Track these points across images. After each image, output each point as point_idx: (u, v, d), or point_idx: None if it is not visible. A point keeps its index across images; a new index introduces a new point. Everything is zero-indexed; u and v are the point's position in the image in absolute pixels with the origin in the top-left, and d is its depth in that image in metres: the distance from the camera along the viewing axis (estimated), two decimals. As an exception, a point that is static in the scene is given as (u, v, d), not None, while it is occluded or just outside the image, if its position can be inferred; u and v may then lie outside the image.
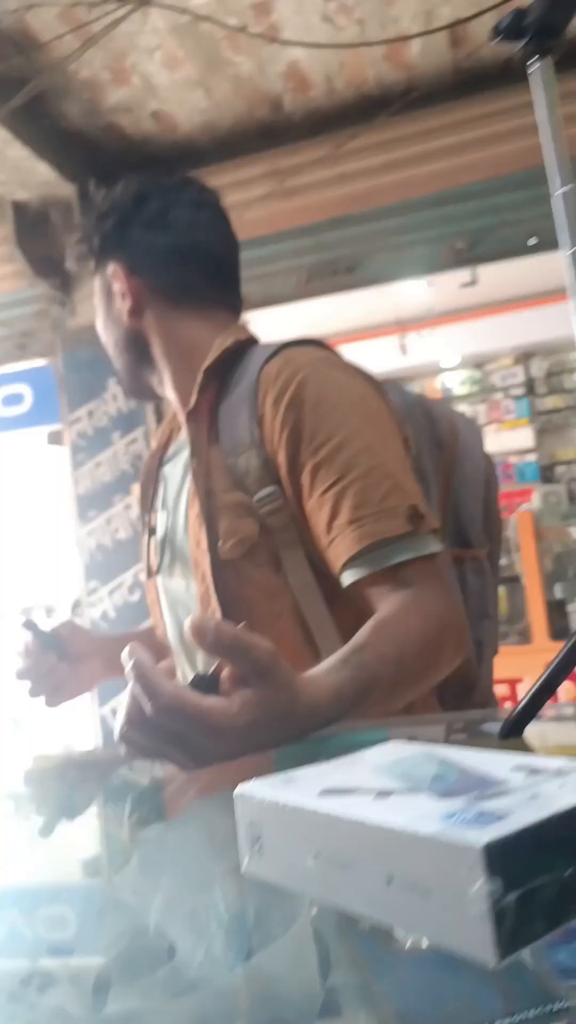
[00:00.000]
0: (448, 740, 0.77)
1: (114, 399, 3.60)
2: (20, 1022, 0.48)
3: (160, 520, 1.05)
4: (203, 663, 0.96)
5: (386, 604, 0.81)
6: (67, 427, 3.62)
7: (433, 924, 0.34)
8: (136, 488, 3.97)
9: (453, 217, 3.00)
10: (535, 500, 3.47)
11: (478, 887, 0.31)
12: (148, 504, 1.07)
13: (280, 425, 0.88)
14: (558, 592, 3.22)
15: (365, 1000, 0.44)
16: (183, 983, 0.51)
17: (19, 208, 3.29)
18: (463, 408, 6.36)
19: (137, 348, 1.03)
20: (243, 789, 0.48)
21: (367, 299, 4.17)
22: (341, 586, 0.85)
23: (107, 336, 1.06)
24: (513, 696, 3.13)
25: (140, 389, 1.09)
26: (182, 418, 1.00)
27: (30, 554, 6.34)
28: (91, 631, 1.28)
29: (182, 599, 1.02)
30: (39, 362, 3.82)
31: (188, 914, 0.58)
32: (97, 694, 3.46)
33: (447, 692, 0.98)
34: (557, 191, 0.66)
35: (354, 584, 0.84)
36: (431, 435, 1.01)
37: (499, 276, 3.64)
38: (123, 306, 1.01)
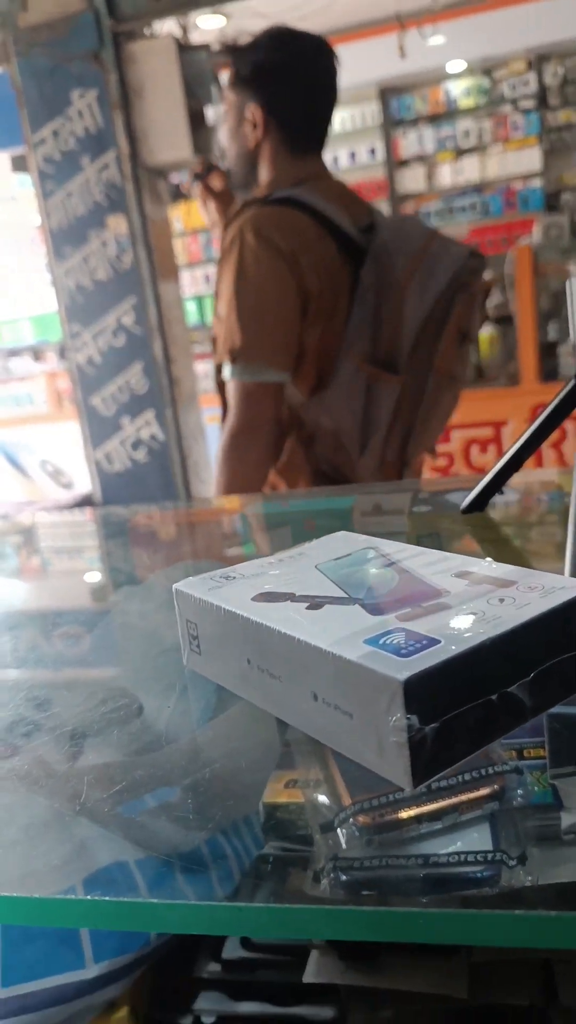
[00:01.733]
0: (412, 509, 0.76)
1: (80, 116, 3.21)
2: (3, 767, 0.50)
3: None
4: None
5: None
6: (31, 150, 3.26)
7: (356, 744, 0.33)
8: (112, 220, 3.65)
9: None
10: (535, 233, 3.22)
11: (396, 720, 0.30)
12: None
13: (219, 272, 1.34)
14: (551, 333, 3.11)
15: (316, 755, 0.46)
16: (151, 739, 0.53)
17: None
18: (467, 123, 5.76)
19: (250, 163, 1.37)
20: (181, 585, 0.47)
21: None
22: None
23: (229, 144, 1.39)
24: (497, 438, 3.16)
25: (246, 187, 1.41)
26: None
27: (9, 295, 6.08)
28: None
29: None
30: (-9, 72, 3.36)
31: (156, 675, 0.60)
32: (91, 439, 3.47)
33: (322, 481, 1.36)
34: None
35: None
36: (387, 273, 1.27)
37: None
38: (252, 134, 1.33)
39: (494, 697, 0.32)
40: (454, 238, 1.32)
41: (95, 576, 1.00)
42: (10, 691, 0.62)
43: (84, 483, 3.72)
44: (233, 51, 1.32)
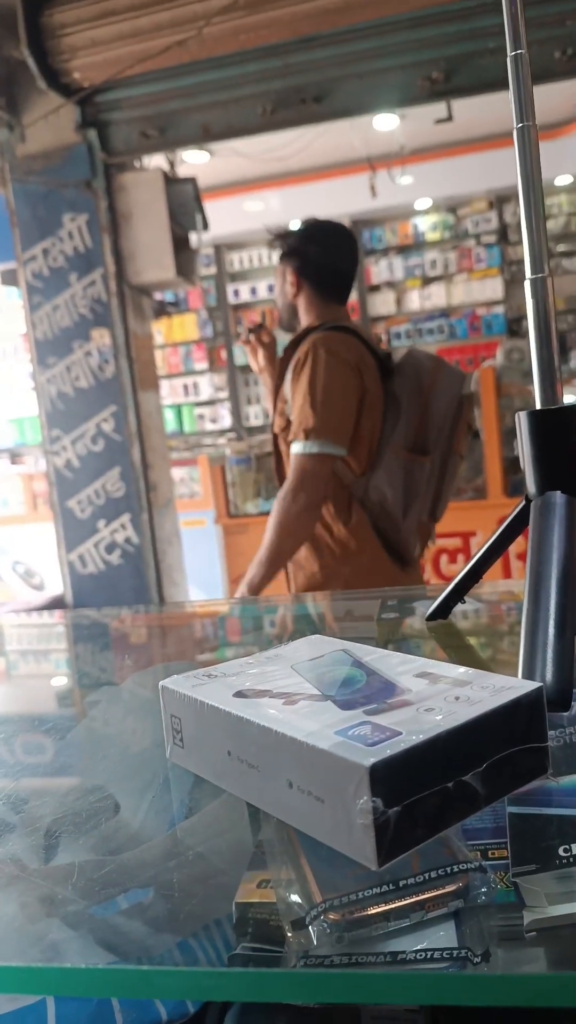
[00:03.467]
0: (380, 616, 0.80)
1: (70, 237, 3.39)
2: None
3: None
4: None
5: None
6: (21, 266, 3.43)
7: (326, 828, 0.36)
8: (97, 333, 3.81)
9: (430, 42, 2.77)
10: (498, 356, 3.43)
11: (363, 802, 0.33)
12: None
13: (292, 377, 1.77)
14: (516, 449, 3.25)
15: (288, 855, 0.49)
16: (125, 838, 0.54)
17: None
18: (434, 254, 6.16)
19: (292, 311, 1.89)
20: (167, 682, 0.50)
21: (336, 133, 3.91)
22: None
23: (278, 298, 1.93)
24: (466, 548, 3.24)
25: (292, 329, 1.91)
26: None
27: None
28: None
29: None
30: (-12, 193, 3.57)
31: (132, 775, 0.62)
32: (65, 541, 3.50)
33: (381, 538, 1.78)
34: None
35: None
36: (415, 385, 1.76)
37: (476, 112, 3.40)
38: (289, 289, 1.87)
39: (450, 784, 0.36)
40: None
41: (67, 679, 1.02)
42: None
43: (56, 585, 3.72)
44: (279, 236, 1.90)
